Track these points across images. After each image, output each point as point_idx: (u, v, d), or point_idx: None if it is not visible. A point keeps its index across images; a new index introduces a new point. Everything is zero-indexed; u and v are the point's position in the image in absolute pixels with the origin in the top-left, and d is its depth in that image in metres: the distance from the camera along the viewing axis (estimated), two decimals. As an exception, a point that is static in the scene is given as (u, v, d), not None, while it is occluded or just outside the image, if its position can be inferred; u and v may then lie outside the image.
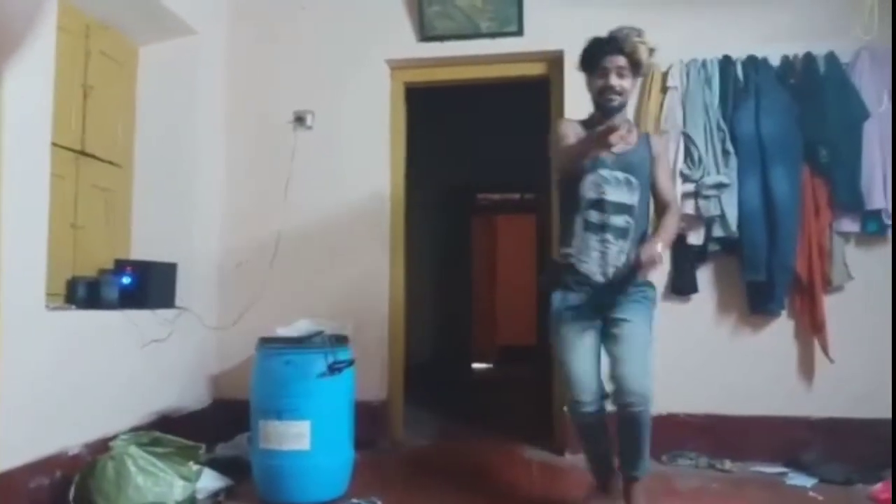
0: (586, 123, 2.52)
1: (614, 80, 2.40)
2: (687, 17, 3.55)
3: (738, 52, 3.45)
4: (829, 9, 3.43)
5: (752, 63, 3.42)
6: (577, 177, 2.43)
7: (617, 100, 2.43)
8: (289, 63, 3.94)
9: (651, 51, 2.42)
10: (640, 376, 2.30)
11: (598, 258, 2.40)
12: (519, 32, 3.67)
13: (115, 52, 3.50)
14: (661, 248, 2.32)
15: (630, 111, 3.51)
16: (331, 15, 3.92)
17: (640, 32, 2.40)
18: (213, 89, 3.87)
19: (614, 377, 2.35)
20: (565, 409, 2.53)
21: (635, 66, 2.42)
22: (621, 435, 2.41)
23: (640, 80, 2.52)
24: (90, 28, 3.29)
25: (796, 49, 3.43)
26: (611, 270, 2.39)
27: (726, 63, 3.44)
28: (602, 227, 2.39)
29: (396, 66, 3.91)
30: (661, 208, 2.55)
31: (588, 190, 2.41)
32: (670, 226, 2.49)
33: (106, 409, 2.89)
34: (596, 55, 2.43)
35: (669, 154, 2.64)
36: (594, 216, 2.40)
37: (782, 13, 3.51)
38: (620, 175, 2.40)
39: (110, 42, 3.45)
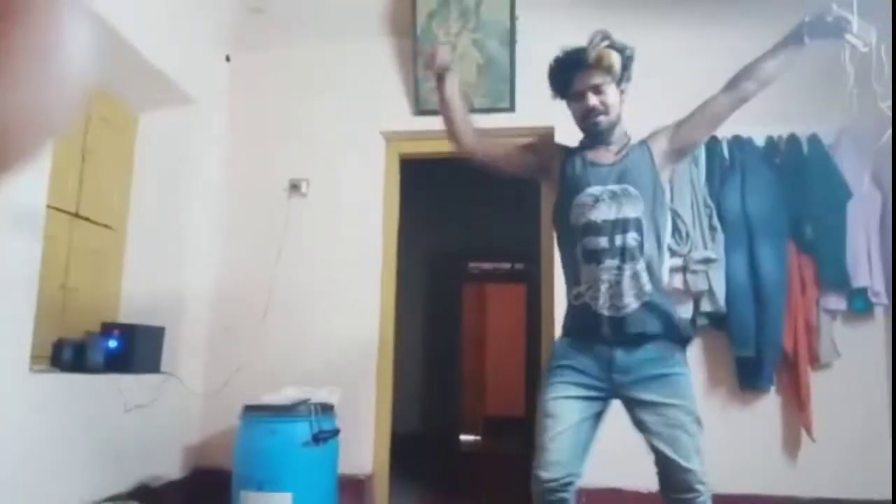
0: (575, 150, 2.19)
1: (593, 101, 2.06)
2: (673, 96, 3.66)
3: (724, 132, 3.53)
4: (811, 92, 3.54)
5: (738, 142, 3.52)
6: (565, 205, 2.11)
7: (604, 120, 2.08)
8: (286, 132, 4.02)
9: (623, 51, 2.07)
10: (698, 462, 1.94)
11: (609, 290, 1.99)
12: (511, 109, 3.77)
13: (115, 119, 3.57)
14: None
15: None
16: (329, 88, 4.03)
17: (604, 35, 2.06)
18: (210, 156, 3.93)
19: (666, 467, 1.96)
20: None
21: (611, 75, 2.06)
22: None
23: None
24: (92, 95, 3.37)
25: (780, 130, 3.53)
26: (628, 302, 1.98)
27: (712, 142, 3.53)
28: (605, 252, 2.01)
29: (392, 137, 3.99)
30: (718, 101, 2.14)
31: (578, 214, 2.06)
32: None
33: (84, 475, 2.82)
34: (563, 79, 2.13)
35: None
36: (593, 242, 2.03)
37: (767, 95, 3.58)
38: (616, 187, 2.04)
39: (111, 109, 3.53)
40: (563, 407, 2.00)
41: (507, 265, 8.09)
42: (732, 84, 2.10)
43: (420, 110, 3.86)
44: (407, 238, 4.20)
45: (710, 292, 3.35)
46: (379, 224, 3.91)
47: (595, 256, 2.03)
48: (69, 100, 0.53)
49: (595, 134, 2.12)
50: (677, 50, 3.69)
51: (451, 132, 2.25)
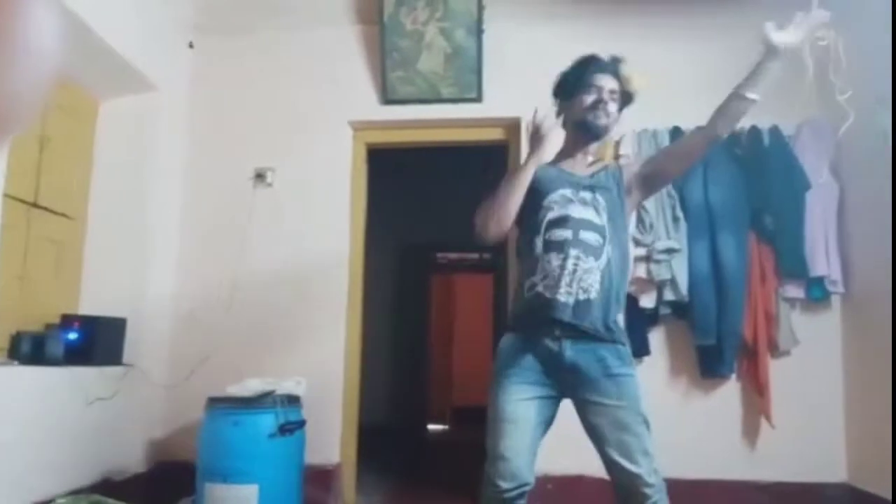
0: (557, 160, 2.22)
1: (606, 96, 2.10)
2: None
3: (687, 123, 3.56)
4: (773, 85, 3.60)
5: (701, 134, 3.56)
6: (535, 204, 2.11)
7: (604, 119, 2.11)
8: (251, 120, 3.97)
9: (634, 92, 2.18)
10: (646, 463, 1.93)
11: (565, 277, 1.98)
12: (478, 99, 3.77)
13: (74, 106, 3.49)
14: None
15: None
16: (295, 76, 3.98)
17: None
18: (173, 144, 3.86)
19: (613, 470, 1.96)
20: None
21: (623, 98, 2.16)
22: None
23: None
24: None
25: (742, 122, 3.56)
26: (580, 290, 1.97)
27: (676, 133, 3.57)
28: (567, 243, 2.01)
29: (359, 127, 3.97)
30: (689, 139, 2.18)
31: (547, 210, 2.08)
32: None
33: (44, 470, 2.77)
34: (586, 72, 2.13)
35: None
36: (557, 234, 2.03)
37: (729, 88, 3.67)
38: (586, 195, 2.08)
39: (70, 96, 3.44)
40: (522, 410, 1.98)
41: (474, 255, 8.11)
42: (709, 122, 2.11)
43: (387, 100, 3.84)
44: (374, 228, 4.19)
45: (673, 281, 3.40)
46: (346, 214, 3.89)
47: (559, 246, 2.02)
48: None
49: (595, 128, 2.13)
50: (646, 36, 3.72)
51: (500, 217, 2.11)
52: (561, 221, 2.05)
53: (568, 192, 2.09)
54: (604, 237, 2.04)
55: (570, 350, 1.98)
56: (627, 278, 2.19)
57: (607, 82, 2.11)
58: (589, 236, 2.03)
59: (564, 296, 1.98)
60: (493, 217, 2.11)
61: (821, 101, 3.32)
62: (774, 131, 3.54)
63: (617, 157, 3.59)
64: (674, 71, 3.62)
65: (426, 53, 3.74)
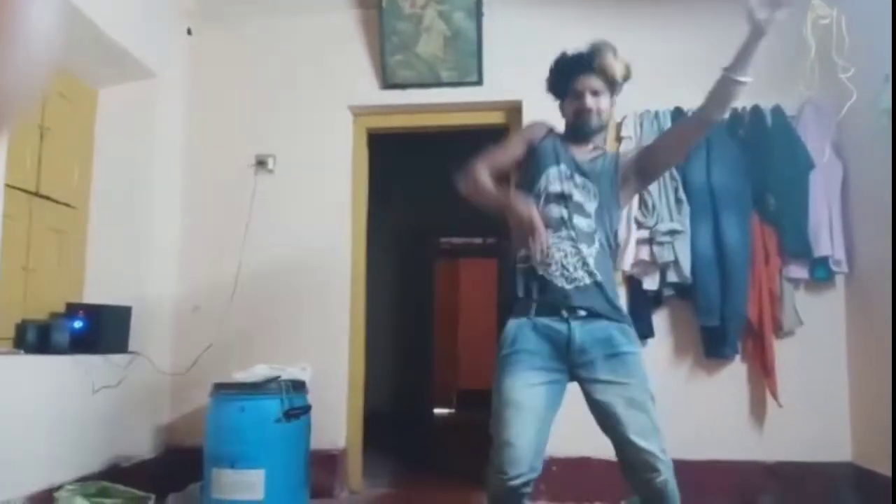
0: (562, 138, 2.22)
1: (590, 102, 2.12)
2: (641, 70, 3.67)
3: (689, 104, 3.56)
4: (774, 65, 3.57)
5: (703, 115, 3.54)
6: (533, 174, 2.15)
7: (595, 120, 2.15)
8: (251, 107, 3.96)
9: (626, 67, 2.14)
10: (657, 440, 1.92)
11: (561, 259, 2.01)
12: (479, 82, 3.75)
13: (73, 94, 3.48)
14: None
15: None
16: (294, 61, 3.97)
17: (613, 49, 2.13)
18: (173, 132, 3.85)
19: (625, 448, 1.94)
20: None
21: (611, 85, 2.14)
22: None
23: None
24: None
25: (744, 102, 3.55)
26: (579, 276, 2.01)
27: (678, 114, 3.56)
28: (564, 224, 2.05)
29: (359, 112, 3.95)
30: (683, 125, 2.32)
31: (546, 184, 2.10)
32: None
33: (52, 458, 2.80)
34: (565, 76, 2.17)
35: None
36: (555, 210, 2.06)
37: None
38: (578, 178, 2.11)
39: (68, 84, 3.44)
40: (529, 396, 1.96)
41: (478, 240, 8.10)
42: (701, 108, 2.10)
43: (387, 84, 3.82)
44: (377, 214, 4.18)
45: (676, 263, 3.39)
46: (348, 200, 3.89)
47: (553, 224, 2.05)
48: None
49: (582, 132, 2.17)
50: (646, 17, 3.69)
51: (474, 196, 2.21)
52: (559, 198, 2.09)
53: (566, 169, 2.12)
54: (594, 224, 2.08)
55: (578, 331, 2.00)
56: (614, 265, 2.21)
57: (589, 84, 2.12)
58: (581, 222, 2.07)
59: (561, 280, 2.02)
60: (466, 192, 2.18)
61: (823, 80, 3.29)
62: (777, 111, 3.52)
63: (619, 139, 3.58)
64: (675, 51, 3.60)
65: (425, 37, 3.71)
